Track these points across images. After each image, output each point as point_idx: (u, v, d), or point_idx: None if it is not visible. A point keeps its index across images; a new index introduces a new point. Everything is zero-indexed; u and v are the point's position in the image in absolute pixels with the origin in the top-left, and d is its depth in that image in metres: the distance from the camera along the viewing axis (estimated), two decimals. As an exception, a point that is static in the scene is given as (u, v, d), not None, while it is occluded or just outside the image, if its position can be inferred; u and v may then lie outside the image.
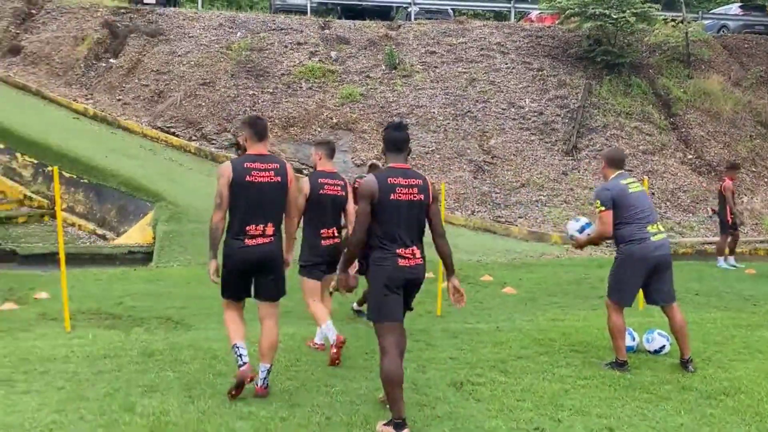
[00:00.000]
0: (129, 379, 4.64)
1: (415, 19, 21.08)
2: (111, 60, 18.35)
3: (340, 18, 21.25)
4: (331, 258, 5.35)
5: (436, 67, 18.14)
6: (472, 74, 17.84)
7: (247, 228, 4.22)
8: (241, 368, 4.23)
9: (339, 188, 5.48)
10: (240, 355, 4.26)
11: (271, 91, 17.14)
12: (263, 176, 4.25)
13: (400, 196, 3.77)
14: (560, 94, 17.53)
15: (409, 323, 4.21)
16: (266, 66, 17.81)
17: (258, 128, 4.37)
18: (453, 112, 16.73)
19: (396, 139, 3.91)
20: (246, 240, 4.22)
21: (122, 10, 19.78)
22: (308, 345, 5.57)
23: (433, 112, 16.69)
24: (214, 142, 16.14)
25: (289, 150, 15.90)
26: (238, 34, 18.95)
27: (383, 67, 17.98)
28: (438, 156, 15.50)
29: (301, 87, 17.29)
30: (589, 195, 13.94)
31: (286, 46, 18.62)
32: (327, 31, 19.39)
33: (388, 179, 3.79)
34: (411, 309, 4.04)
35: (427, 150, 15.58)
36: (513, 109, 17.00)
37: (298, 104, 16.75)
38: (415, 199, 3.80)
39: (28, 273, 9.24)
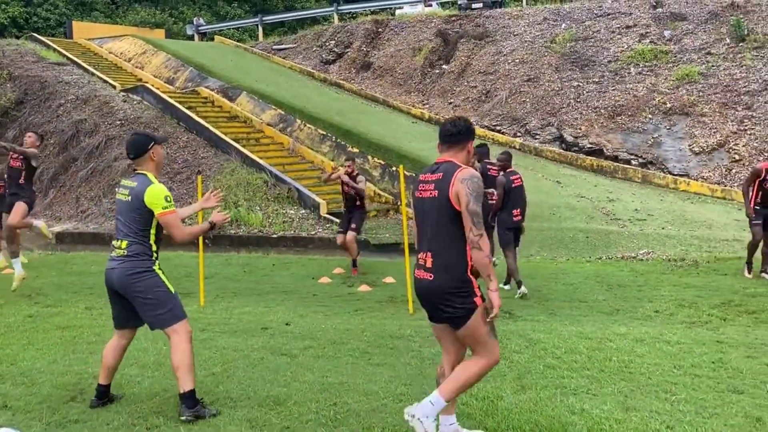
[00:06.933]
0: (465, 362, 4.95)
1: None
2: (443, 66, 19.81)
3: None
4: None
5: (799, 33, 15.40)
6: None
7: None
8: None
9: None
10: None
11: (596, 80, 16.54)
12: None
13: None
14: None
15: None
16: (591, 55, 17.25)
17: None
18: (823, 84, 14.01)
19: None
20: None
21: (453, 18, 21.18)
22: None
23: (796, 87, 14.21)
24: (537, 137, 16.24)
25: (616, 140, 15.15)
26: (563, 25, 18.72)
27: (728, 41, 15.91)
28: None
29: (629, 72, 16.32)
30: None
31: (613, 32, 17.77)
32: (660, 10, 17.93)
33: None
34: None
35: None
36: None
37: (626, 91, 15.84)
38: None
39: (378, 260, 10.57)
